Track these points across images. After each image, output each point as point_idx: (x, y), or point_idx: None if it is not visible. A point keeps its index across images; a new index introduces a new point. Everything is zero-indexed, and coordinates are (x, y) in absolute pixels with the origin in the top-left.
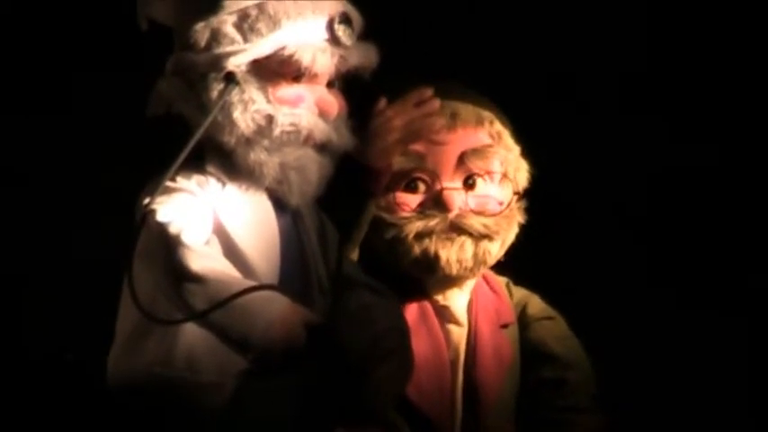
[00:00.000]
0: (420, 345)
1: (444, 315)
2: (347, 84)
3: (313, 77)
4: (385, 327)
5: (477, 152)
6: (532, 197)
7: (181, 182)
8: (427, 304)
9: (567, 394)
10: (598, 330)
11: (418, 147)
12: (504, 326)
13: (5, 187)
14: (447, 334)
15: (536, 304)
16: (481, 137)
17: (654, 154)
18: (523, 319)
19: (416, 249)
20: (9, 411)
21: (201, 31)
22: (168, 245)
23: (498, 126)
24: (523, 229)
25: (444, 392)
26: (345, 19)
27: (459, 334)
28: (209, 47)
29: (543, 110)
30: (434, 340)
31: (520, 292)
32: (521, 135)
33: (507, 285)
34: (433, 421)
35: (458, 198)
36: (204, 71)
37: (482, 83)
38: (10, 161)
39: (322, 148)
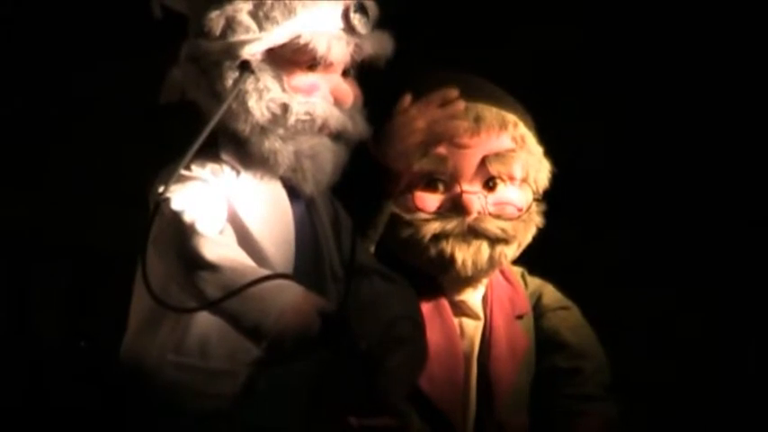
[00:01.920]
0: (433, 336)
1: (460, 308)
2: (363, 72)
3: (328, 66)
4: (397, 315)
5: (500, 157)
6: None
7: (195, 170)
8: (442, 298)
9: (581, 383)
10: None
11: (440, 149)
12: (519, 317)
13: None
14: (461, 326)
15: (551, 294)
16: (504, 141)
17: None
18: (538, 308)
19: (432, 251)
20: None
21: (216, 19)
22: (182, 233)
23: (522, 129)
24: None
25: (457, 384)
26: (361, 7)
27: (473, 326)
28: (223, 35)
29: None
30: (448, 332)
31: (535, 282)
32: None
33: (522, 275)
34: (444, 413)
35: (476, 202)
36: (218, 59)
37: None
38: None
39: (337, 136)
